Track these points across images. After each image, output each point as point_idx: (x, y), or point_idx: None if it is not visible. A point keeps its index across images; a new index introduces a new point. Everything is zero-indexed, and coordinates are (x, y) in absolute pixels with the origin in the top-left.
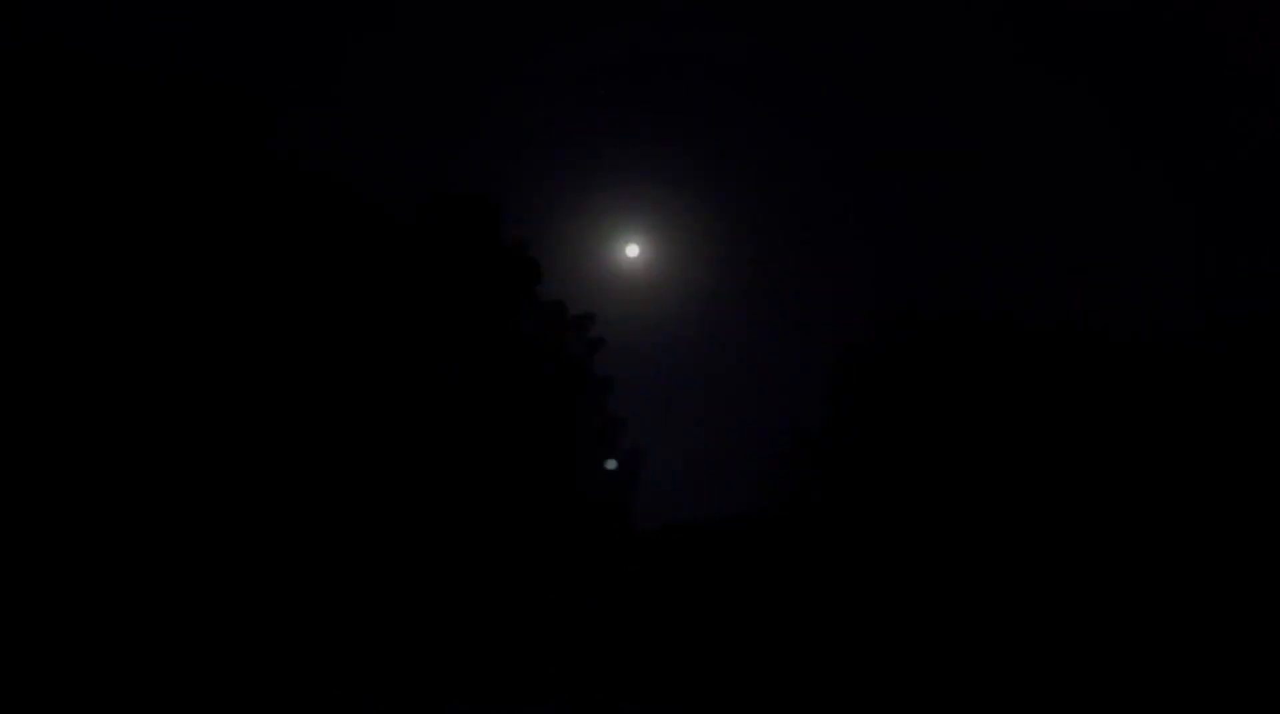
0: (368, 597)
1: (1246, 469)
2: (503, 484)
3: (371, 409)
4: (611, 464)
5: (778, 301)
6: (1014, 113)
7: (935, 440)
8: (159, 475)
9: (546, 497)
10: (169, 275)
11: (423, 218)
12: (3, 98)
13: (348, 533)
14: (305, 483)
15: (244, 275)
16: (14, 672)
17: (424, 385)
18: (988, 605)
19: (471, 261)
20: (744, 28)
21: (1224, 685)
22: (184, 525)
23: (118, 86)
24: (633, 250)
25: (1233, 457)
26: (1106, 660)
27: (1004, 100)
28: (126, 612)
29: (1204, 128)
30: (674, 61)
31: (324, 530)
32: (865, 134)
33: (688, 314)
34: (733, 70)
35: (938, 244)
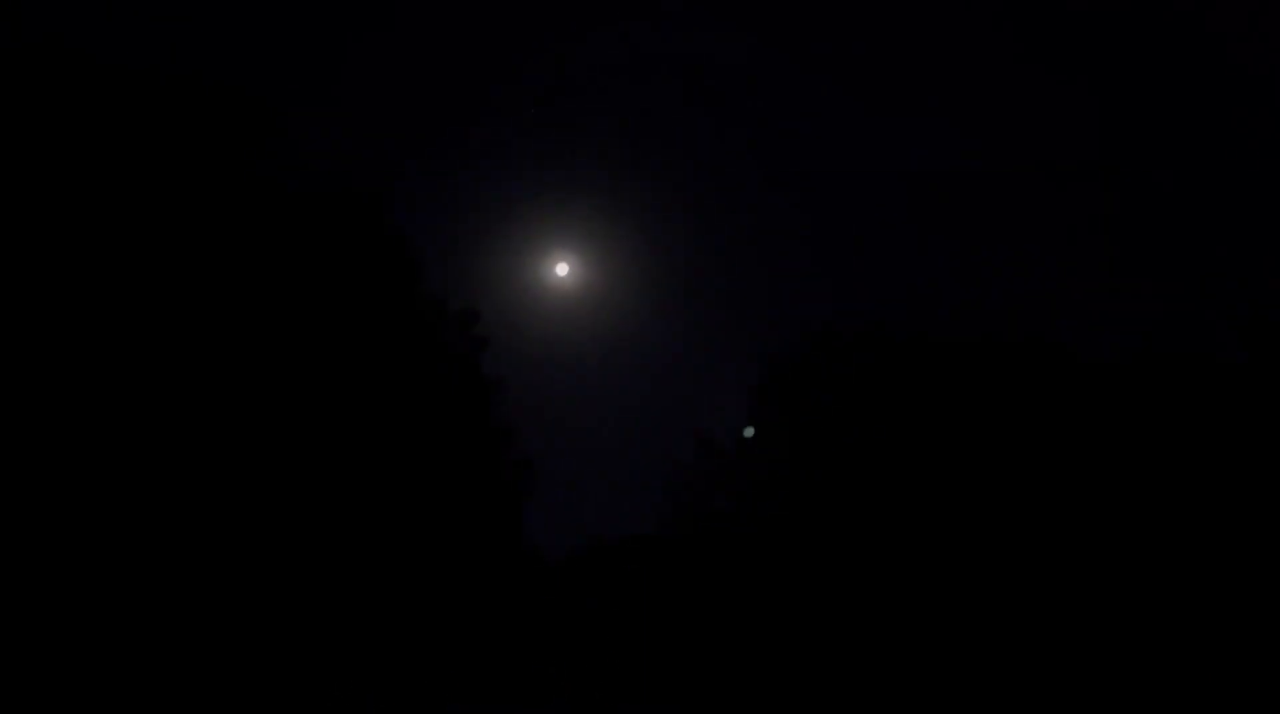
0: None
1: (1168, 473)
2: (376, 484)
3: (240, 408)
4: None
5: (703, 319)
6: (944, 134)
7: (849, 454)
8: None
9: (424, 498)
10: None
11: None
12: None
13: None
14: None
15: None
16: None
17: (293, 385)
18: (896, 617)
19: (344, 258)
20: (675, 53)
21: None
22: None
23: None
24: (562, 269)
25: (1150, 462)
26: (1033, 672)
27: (937, 121)
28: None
29: (1143, 139)
30: (609, 87)
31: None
32: (794, 155)
33: (612, 331)
34: (665, 94)
35: (859, 263)
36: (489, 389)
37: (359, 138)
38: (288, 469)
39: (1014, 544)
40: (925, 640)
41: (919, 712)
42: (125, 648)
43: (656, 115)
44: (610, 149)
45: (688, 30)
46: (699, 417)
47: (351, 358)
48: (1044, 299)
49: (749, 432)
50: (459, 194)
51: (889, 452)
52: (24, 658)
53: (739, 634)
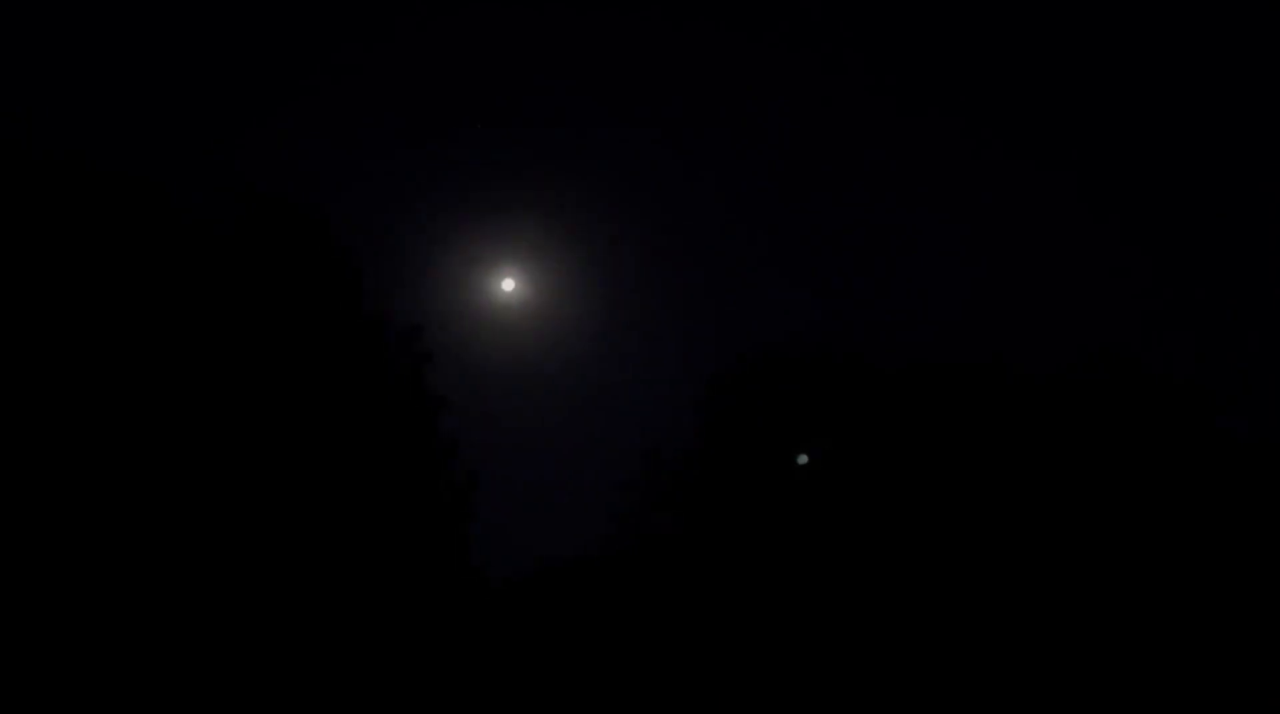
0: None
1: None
2: (310, 501)
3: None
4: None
5: (650, 334)
6: (886, 150)
7: (793, 476)
8: None
9: (361, 515)
10: None
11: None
12: None
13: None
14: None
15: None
16: None
17: (219, 399)
18: (847, 640)
19: (281, 272)
20: (618, 63)
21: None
22: None
23: None
24: (509, 284)
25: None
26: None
27: (878, 136)
28: None
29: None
30: (555, 101)
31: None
32: (743, 169)
33: (558, 348)
34: (614, 105)
35: (809, 281)
36: (432, 405)
37: (301, 153)
38: (215, 486)
39: (959, 560)
40: (873, 661)
41: None
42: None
43: (604, 130)
44: (558, 163)
45: (636, 43)
46: (644, 434)
47: (286, 372)
48: (983, 317)
49: (803, 459)
50: (403, 209)
51: (833, 470)
52: None
53: (684, 655)
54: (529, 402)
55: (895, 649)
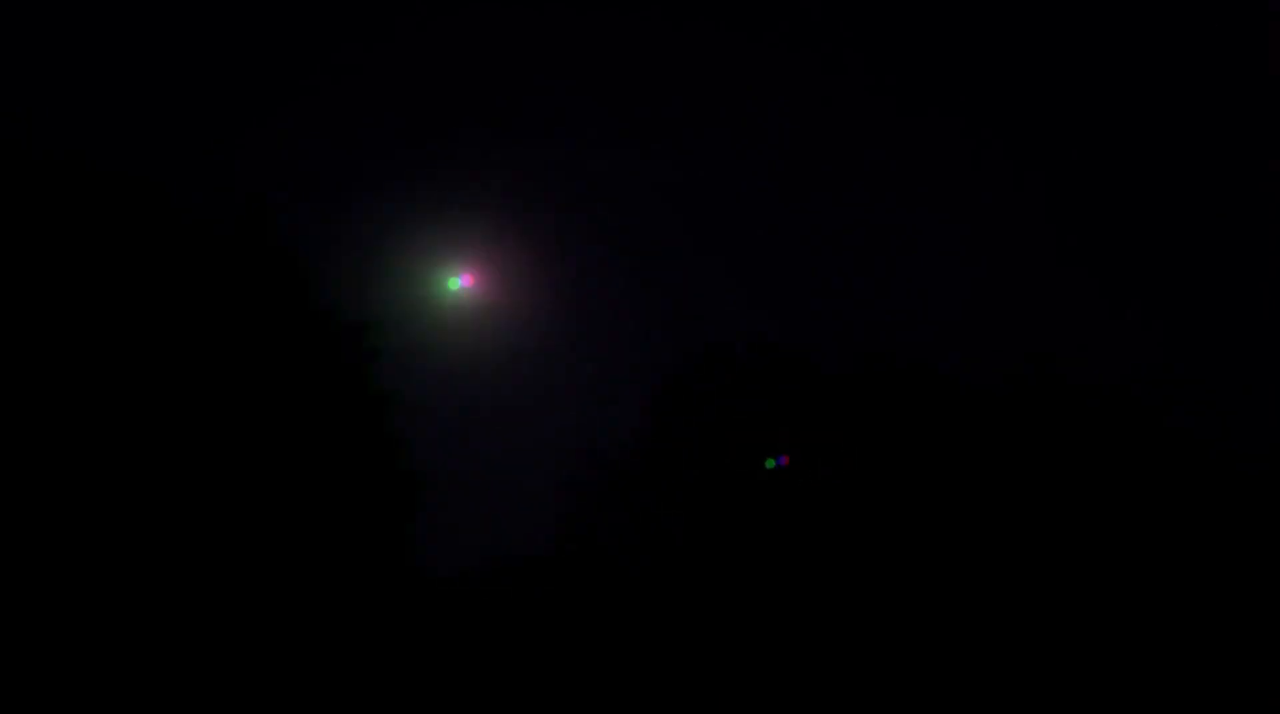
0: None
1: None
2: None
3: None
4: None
5: (601, 332)
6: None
7: (744, 472)
8: None
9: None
10: None
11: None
12: None
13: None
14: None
15: None
16: None
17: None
18: (818, 639)
19: (223, 265)
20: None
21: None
22: None
23: None
24: (463, 281)
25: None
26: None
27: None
28: None
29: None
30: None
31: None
32: (702, 164)
33: (510, 345)
34: (575, 95)
35: (764, 278)
36: (379, 401)
37: (248, 145)
38: (150, 477)
39: (912, 564)
40: (831, 662)
41: None
42: None
43: (560, 124)
44: (513, 157)
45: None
46: (595, 432)
47: (225, 366)
48: (936, 321)
49: (770, 463)
50: (354, 204)
51: (797, 472)
52: None
53: (630, 654)
54: (479, 400)
55: (853, 650)
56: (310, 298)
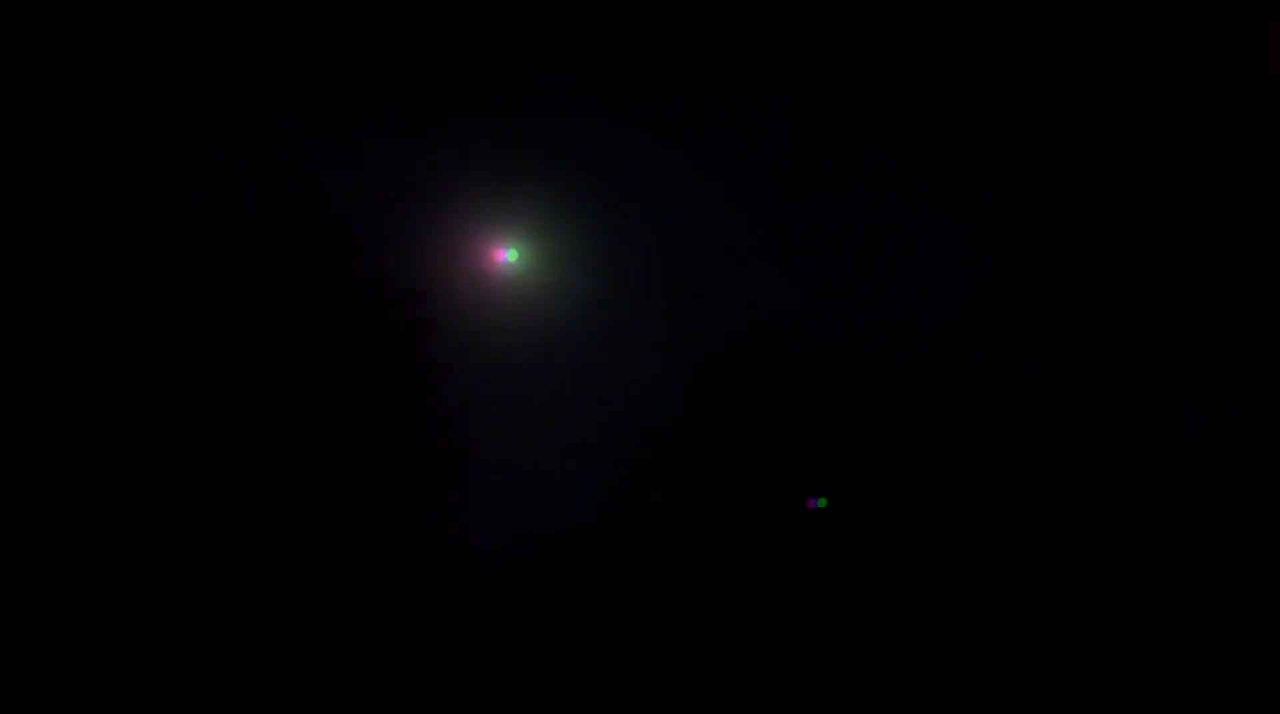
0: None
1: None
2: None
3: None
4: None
5: (650, 310)
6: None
7: (789, 454)
8: None
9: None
10: None
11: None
12: None
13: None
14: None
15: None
16: None
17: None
18: (845, 618)
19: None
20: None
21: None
22: None
23: None
24: (512, 254)
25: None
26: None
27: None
28: None
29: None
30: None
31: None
32: (757, 151)
33: (559, 319)
34: (622, 80)
35: (807, 259)
36: (427, 373)
37: (300, 124)
38: (199, 449)
39: (960, 556)
40: (864, 649)
41: None
42: None
43: (613, 105)
44: (567, 134)
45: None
46: (642, 408)
47: (276, 338)
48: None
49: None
50: (406, 178)
51: (826, 452)
52: None
53: (676, 631)
54: (527, 373)
55: (887, 639)
56: (360, 267)
